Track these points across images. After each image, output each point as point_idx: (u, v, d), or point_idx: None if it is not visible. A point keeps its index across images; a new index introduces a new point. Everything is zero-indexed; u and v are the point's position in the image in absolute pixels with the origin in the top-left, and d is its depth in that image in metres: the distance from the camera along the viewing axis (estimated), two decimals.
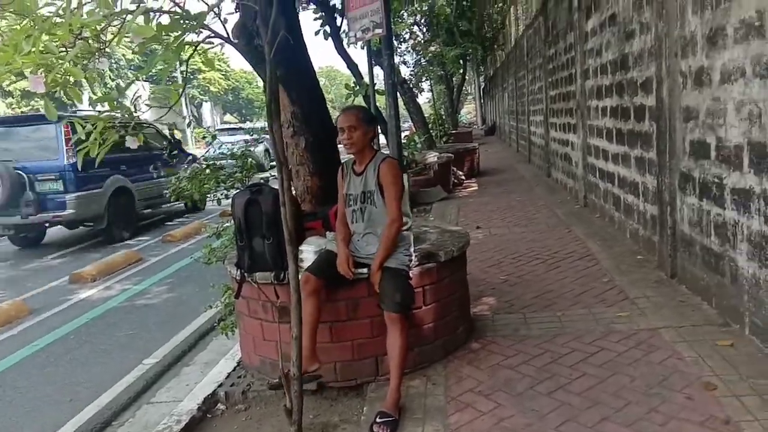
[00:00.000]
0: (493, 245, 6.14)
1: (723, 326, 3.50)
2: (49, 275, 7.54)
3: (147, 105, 2.89)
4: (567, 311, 4.08)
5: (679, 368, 3.07)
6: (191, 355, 4.73)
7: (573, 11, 7.67)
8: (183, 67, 2.62)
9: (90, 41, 1.89)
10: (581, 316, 3.97)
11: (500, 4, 21.12)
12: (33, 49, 1.74)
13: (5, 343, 5.25)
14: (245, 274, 3.32)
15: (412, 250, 3.19)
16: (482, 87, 37.14)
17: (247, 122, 54.15)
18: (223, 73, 48.06)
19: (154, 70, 2.83)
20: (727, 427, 2.50)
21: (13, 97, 28.78)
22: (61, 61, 1.72)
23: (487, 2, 19.90)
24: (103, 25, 1.83)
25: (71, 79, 2.00)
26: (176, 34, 2.07)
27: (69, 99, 2.32)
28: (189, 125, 34.70)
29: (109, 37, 1.94)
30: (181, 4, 2.12)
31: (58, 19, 1.85)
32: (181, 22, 1.99)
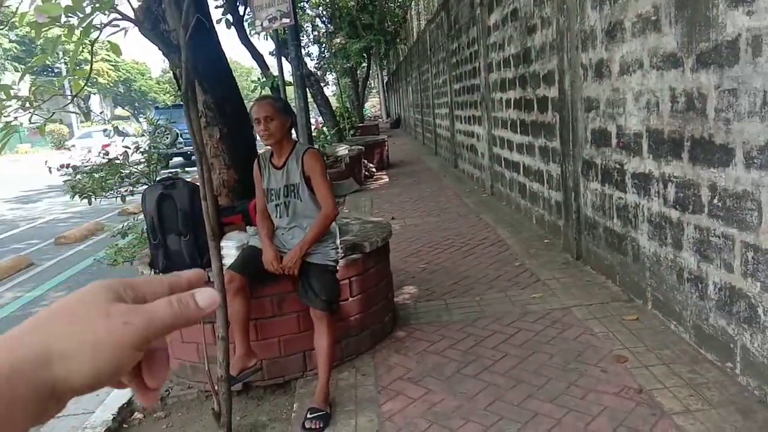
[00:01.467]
0: (409, 235, 6.22)
1: (628, 302, 3.77)
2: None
3: (40, 99, 2.63)
4: (485, 295, 4.22)
5: (592, 343, 3.27)
6: None
7: (475, 6, 7.91)
8: (85, 55, 2.41)
9: None
10: (498, 299, 4.12)
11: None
12: None
13: None
14: (160, 273, 3.13)
15: (338, 242, 3.14)
16: (386, 81, 37.55)
17: (140, 115, 51.27)
18: (113, 63, 45.10)
19: (32, 61, 2.60)
20: (641, 395, 2.69)
21: None
22: None
23: None
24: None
25: None
26: (84, 15, 1.89)
27: None
28: (83, 119, 32.30)
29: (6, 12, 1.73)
30: None
31: None
32: (91, 1, 1.82)
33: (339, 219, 3.92)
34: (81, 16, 1.89)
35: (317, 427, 2.74)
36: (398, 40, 23.44)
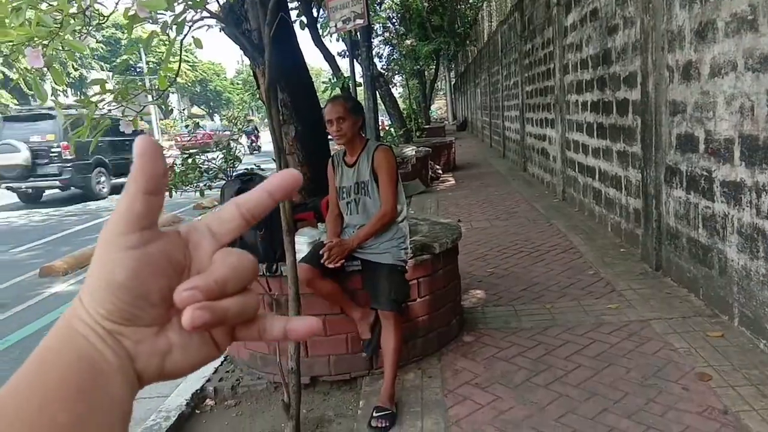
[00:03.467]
0: (476, 238, 6.13)
1: (712, 317, 3.55)
2: (17, 269, 7.24)
3: (133, 91, 2.76)
4: (556, 303, 4.09)
5: (673, 359, 3.10)
6: None
7: (551, 6, 7.71)
8: (173, 53, 2.51)
9: (87, 14, 1.77)
10: (571, 307, 3.98)
11: (471, 1, 21.21)
12: (28, 21, 1.62)
13: None
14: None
15: (408, 242, 3.13)
16: (453, 83, 37.29)
17: (215, 114, 53.29)
18: (191, 64, 47.11)
19: (118, 61, 2.72)
20: (726, 417, 2.53)
21: None
22: (60, 34, 1.60)
23: None
24: None
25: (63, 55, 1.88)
26: (176, 12, 1.96)
27: (29, 89, 2.17)
28: (163, 114, 33.93)
29: (106, 11, 1.82)
30: None
31: None
32: None
33: (410, 220, 3.92)
34: (174, 13, 1.96)
35: (383, 425, 2.74)
36: (468, 41, 23.24)
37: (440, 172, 11.32)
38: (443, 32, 18.73)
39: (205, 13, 2.33)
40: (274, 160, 2.18)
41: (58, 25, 1.64)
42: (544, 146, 8.96)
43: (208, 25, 2.74)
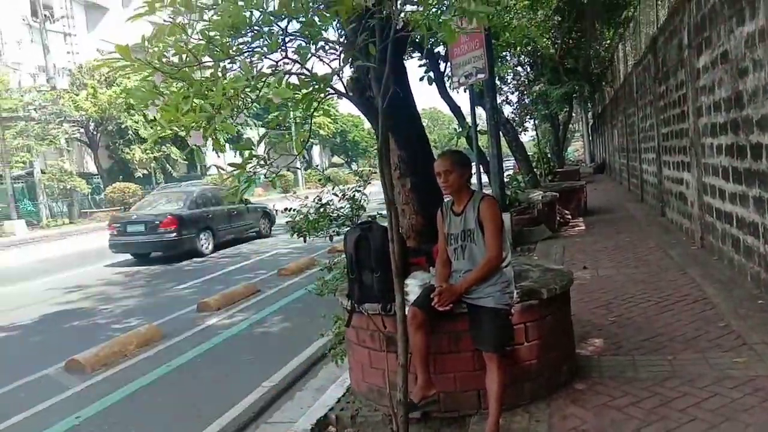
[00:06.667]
0: (600, 286, 6.02)
1: None
2: (180, 304, 8.33)
3: (275, 153, 3.29)
4: (679, 355, 3.95)
5: None
6: (304, 380, 5.05)
7: (683, 48, 7.48)
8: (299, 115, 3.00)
9: (235, 101, 2.27)
10: (694, 360, 3.83)
11: (608, 41, 20.72)
12: (193, 108, 2.14)
13: (142, 363, 5.88)
14: (355, 304, 3.58)
15: (512, 287, 3.29)
16: (590, 124, 36.11)
17: (353, 163, 56.21)
18: (332, 117, 50.57)
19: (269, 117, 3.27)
20: None
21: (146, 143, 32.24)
22: (217, 118, 2.09)
23: (594, 39, 19.58)
24: (248, 88, 2.20)
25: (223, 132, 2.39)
26: (305, 91, 2.41)
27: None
28: (301, 167, 36.70)
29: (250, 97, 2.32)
30: (310, 68, 2.48)
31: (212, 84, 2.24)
32: (311, 82, 2.33)
33: (520, 265, 4.06)
34: (305, 92, 2.41)
35: None
36: (604, 83, 22.61)
37: (569, 217, 11.09)
38: (577, 75, 18.47)
39: (331, 90, 2.79)
40: (381, 215, 2.52)
41: (216, 111, 2.14)
42: (682, 190, 8.52)
43: (338, 96, 3.19)
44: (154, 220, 13.36)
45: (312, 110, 2.66)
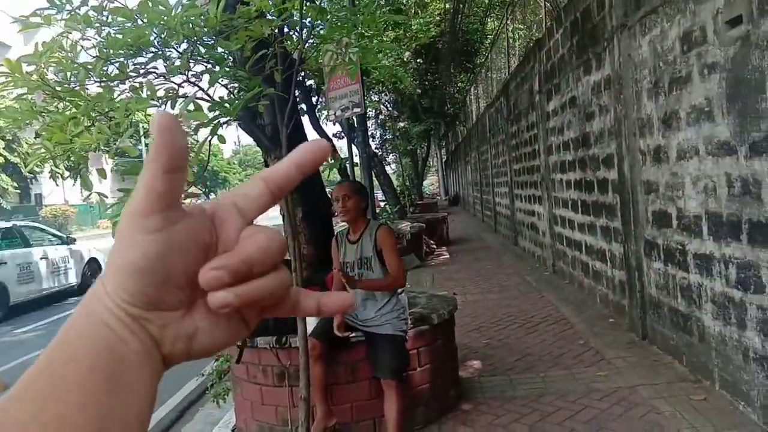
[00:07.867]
0: (470, 311, 6.35)
1: (695, 382, 3.76)
2: (22, 349, 7.33)
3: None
4: (549, 372, 4.28)
5: (659, 422, 3.29)
6: (177, 427, 4.68)
7: (534, 94, 8.32)
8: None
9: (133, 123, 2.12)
10: (563, 376, 4.18)
11: (461, 84, 22.40)
12: (90, 130, 1.96)
13: None
14: (247, 339, 3.43)
15: (407, 313, 3.38)
16: (444, 159, 38.47)
17: (212, 194, 54.06)
18: (191, 146, 48.41)
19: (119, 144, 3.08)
20: None
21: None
22: (116, 142, 1.94)
23: (449, 82, 21.08)
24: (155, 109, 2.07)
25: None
26: (212, 116, 2.32)
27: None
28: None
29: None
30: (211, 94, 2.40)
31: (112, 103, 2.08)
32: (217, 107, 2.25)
33: (408, 293, 4.17)
34: (210, 118, 2.31)
35: None
36: (457, 122, 24.34)
37: (434, 246, 11.64)
38: (433, 113, 19.71)
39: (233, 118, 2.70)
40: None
41: (116, 135, 1.98)
42: (534, 221, 9.35)
43: (227, 122, 3.10)
44: None
45: (213, 135, 2.56)
